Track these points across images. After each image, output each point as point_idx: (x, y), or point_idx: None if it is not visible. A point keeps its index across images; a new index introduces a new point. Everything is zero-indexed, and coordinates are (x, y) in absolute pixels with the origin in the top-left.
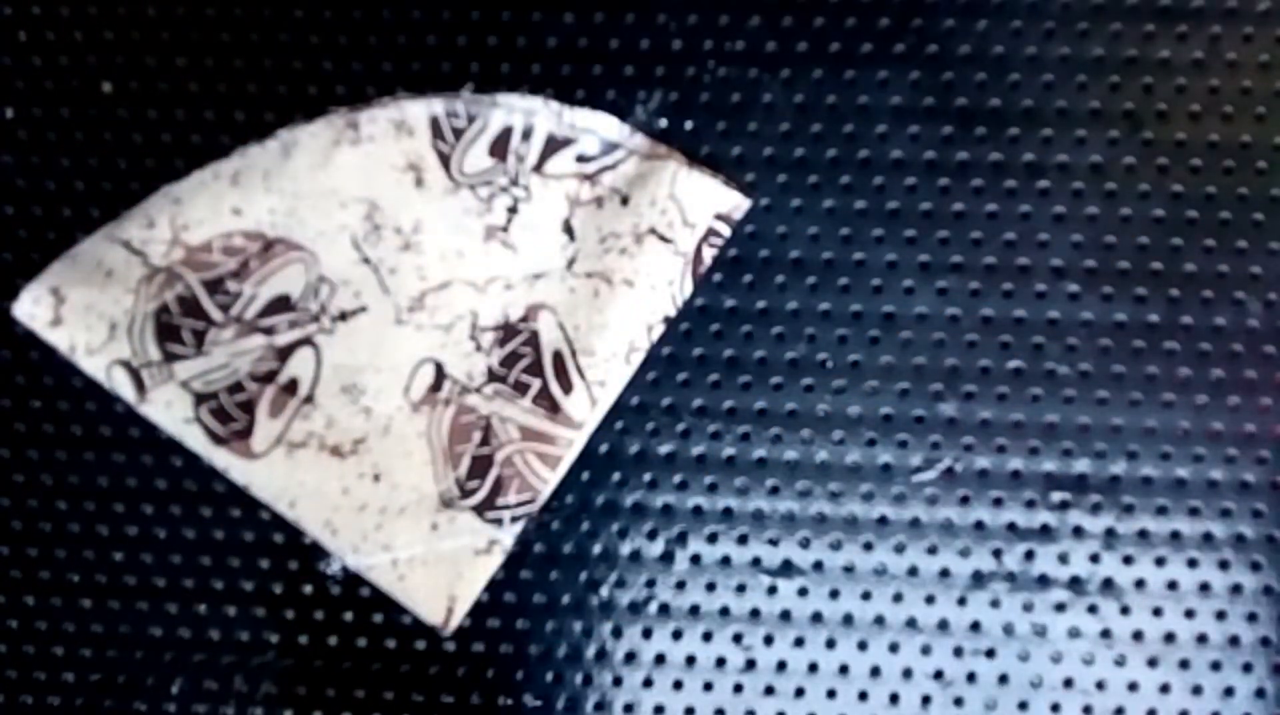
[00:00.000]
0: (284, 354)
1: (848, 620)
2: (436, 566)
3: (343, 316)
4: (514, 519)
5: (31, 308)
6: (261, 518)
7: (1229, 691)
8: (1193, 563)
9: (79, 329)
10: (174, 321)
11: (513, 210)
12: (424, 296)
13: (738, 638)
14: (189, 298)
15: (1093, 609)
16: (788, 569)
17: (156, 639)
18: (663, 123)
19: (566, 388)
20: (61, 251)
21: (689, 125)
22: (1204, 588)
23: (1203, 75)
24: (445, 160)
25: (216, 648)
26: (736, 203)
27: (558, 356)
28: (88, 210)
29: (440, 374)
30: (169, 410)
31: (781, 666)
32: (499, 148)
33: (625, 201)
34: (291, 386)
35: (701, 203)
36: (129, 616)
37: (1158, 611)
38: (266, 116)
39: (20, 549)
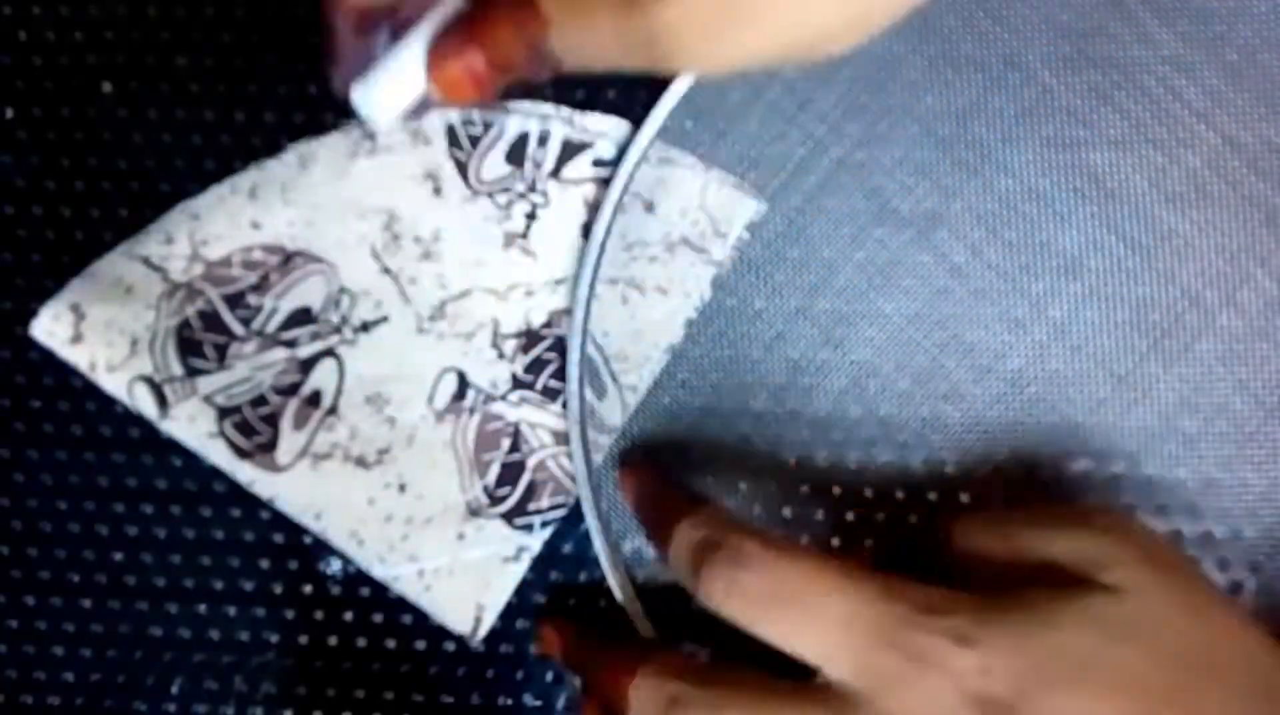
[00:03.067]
0: (306, 366)
1: None
2: (463, 576)
3: (364, 327)
4: (544, 524)
5: (51, 325)
6: (261, 518)
7: None
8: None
9: (99, 346)
10: (195, 336)
11: (531, 217)
12: (445, 305)
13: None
14: (210, 312)
15: None
16: None
17: (156, 639)
18: (665, 124)
19: (600, 393)
20: (61, 252)
21: (689, 125)
22: None
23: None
24: (463, 168)
25: (216, 648)
26: (757, 208)
27: (589, 362)
28: (88, 211)
29: (463, 382)
30: (192, 425)
31: None
32: (516, 154)
33: (650, 208)
34: (315, 398)
35: (731, 213)
36: (129, 616)
37: None
38: (266, 116)
39: (20, 549)
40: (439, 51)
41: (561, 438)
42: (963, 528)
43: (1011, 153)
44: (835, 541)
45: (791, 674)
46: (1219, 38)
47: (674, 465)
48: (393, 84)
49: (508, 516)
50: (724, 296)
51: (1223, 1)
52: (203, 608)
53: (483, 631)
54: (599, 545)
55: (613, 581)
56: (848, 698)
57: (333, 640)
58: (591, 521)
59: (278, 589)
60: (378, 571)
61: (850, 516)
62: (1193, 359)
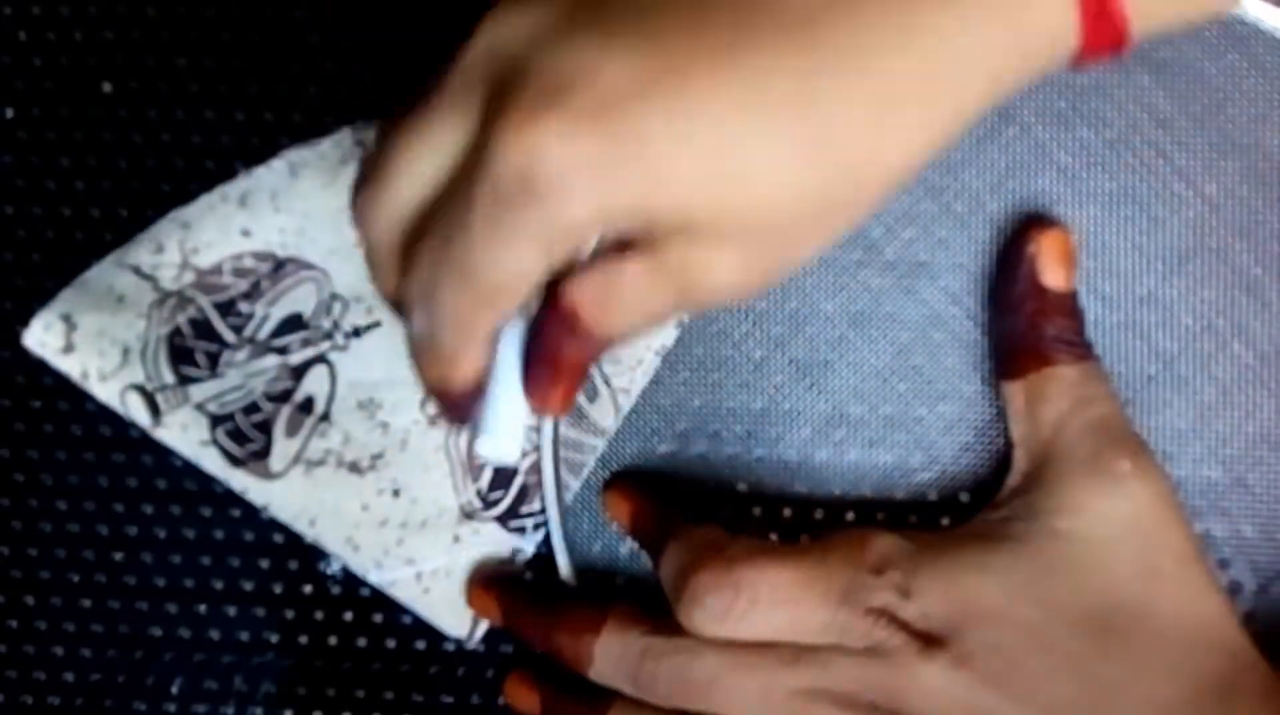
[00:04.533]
0: (298, 373)
1: None
2: (459, 579)
3: (356, 332)
4: (537, 526)
5: (42, 335)
6: (261, 518)
7: None
8: None
9: (91, 355)
10: (187, 344)
11: None
12: None
13: None
14: (201, 320)
15: None
16: None
17: (156, 639)
18: None
19: (591, 395)
20: (61, 253)
21: None
22: None
23: None
24: None
25: (216, 648)
26: None
27: None
28: (88, 211)
29: None
30: (185, 434)
31: None
32: None
33: None
34: (307, 405)
35: None
36: (129, 616)
37: None
38: (266, 116)
39: (20, 549)
40: (535, 394)
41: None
42: None
43: (1000, 205)
44: None
45: None
46: (1215, 105)
47: (673, 466)
48: (505, 428)
49: (501, 520)
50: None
51: (1220, 70)
52: (203, 608)
53: (479, 634)
54: (553, 515)
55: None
56: (817, 650)
57: (333, 640)
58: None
59: (278, 589)
60: (374, 577)
61: (850, 516)
62: (1161, 422)
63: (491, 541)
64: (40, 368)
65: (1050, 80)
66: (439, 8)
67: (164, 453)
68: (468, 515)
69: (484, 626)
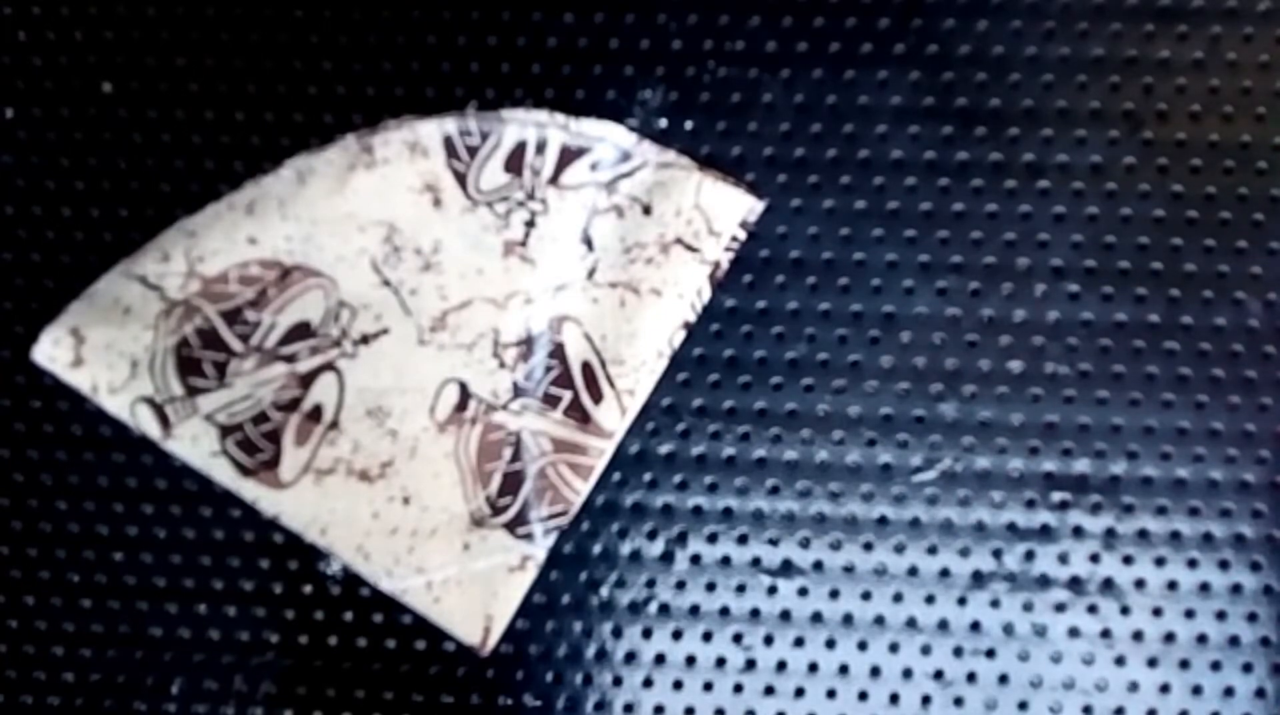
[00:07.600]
0: (307, 381)
1: (848, 620)
2: (471, 587)
3: (364, 340)
4: (546, 532)
5: (52, 350)
6: (261, 518)
7: (1229, 691)
8: (1193, 563)
9: (100, 368)
10: (194, 354)
11: (530, 224)
12: (445, 316)
13: (738, 638)
14: (208, 329)
15: (1093, 609)
16: (788, 569)
17: (156, 639)
18: (663, 123)
19: (597, 398)
20: (61, 252)
21: (689, 125)
22: (1204, 588)
23: (1203, 75)
24: (461, 179)
25: (216, 648)
26: (753, 206)
27: (586, 367)
28: (88, 211)
29: (465, 393)
30: (195, 445)
31: (781, 666)
32: (514, 163)
33: (648, 211)
34: (316, 413)
35: (725, 211)
36: (129, 616)
37: (1158, 611)
38: (266, 116)
39: (20, 549)
40: None
41: (562, 445)
42: None
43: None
44: (832, 538)
45: None
46: None
47: (674, 466)
48: None
49: (509, 526)
50: (725, 297)
51: None
52: (203, 608)
53: (492, 641)
54: None
55: None
56: None
57: (333, 640)
58: None
59: (278, 589)
60: (385, 585)
61: (851, 514)
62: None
63: (500, 549)
64: (40, 367)
65: None
66: (438, 8)
67: (163, 453)
68: (477, 522)
69: (497, 633)
